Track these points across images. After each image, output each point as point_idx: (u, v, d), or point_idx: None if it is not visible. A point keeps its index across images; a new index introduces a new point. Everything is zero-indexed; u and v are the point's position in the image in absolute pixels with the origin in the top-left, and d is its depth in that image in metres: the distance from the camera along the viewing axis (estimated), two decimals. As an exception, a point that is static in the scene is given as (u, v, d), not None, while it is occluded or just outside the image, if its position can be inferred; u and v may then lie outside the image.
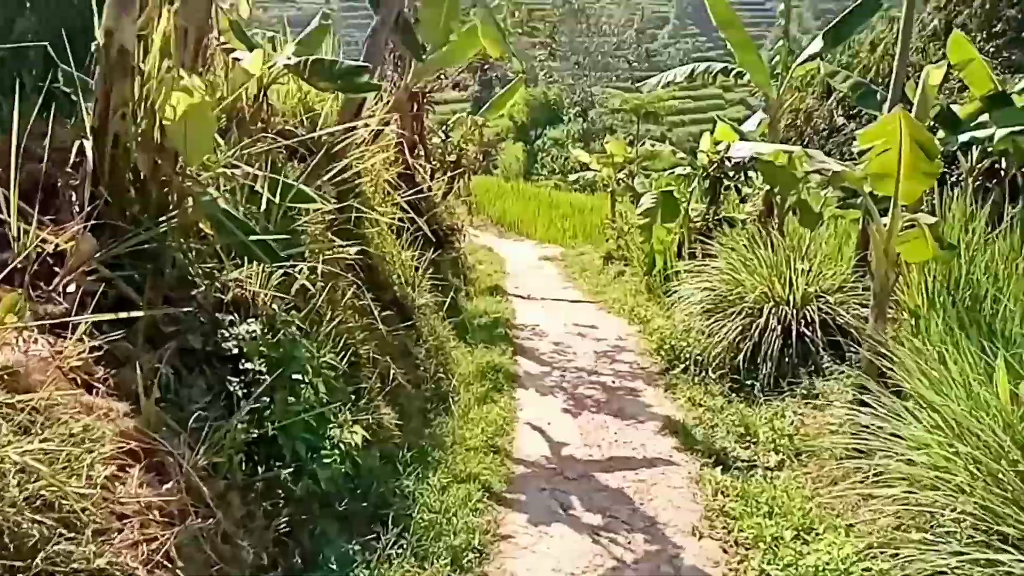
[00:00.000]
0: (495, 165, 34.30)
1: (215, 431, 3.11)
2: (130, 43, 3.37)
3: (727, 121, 9.83)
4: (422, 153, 11.35)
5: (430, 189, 10.88)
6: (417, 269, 7.77)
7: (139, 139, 3.52)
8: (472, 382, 6.89)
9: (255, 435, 3.30)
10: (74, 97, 3.60)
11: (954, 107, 8.27)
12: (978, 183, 7.92)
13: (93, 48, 3.36)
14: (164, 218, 3.57)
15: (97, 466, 2.29)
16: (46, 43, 3.57)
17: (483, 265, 14.04)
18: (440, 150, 12.24)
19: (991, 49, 17.57)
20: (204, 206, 3.57)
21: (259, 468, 3.38)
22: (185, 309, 3.47)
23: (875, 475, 3.89)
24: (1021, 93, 7.71)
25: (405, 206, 7.88)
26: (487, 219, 22.54)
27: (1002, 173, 7.77)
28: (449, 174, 12.46)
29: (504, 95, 13.30)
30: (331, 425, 3.83)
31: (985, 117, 7.61)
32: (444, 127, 13.02)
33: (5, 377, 2.37)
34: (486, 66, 16.22)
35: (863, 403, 4.73)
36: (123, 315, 3.12)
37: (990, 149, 7.70)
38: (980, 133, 7.15)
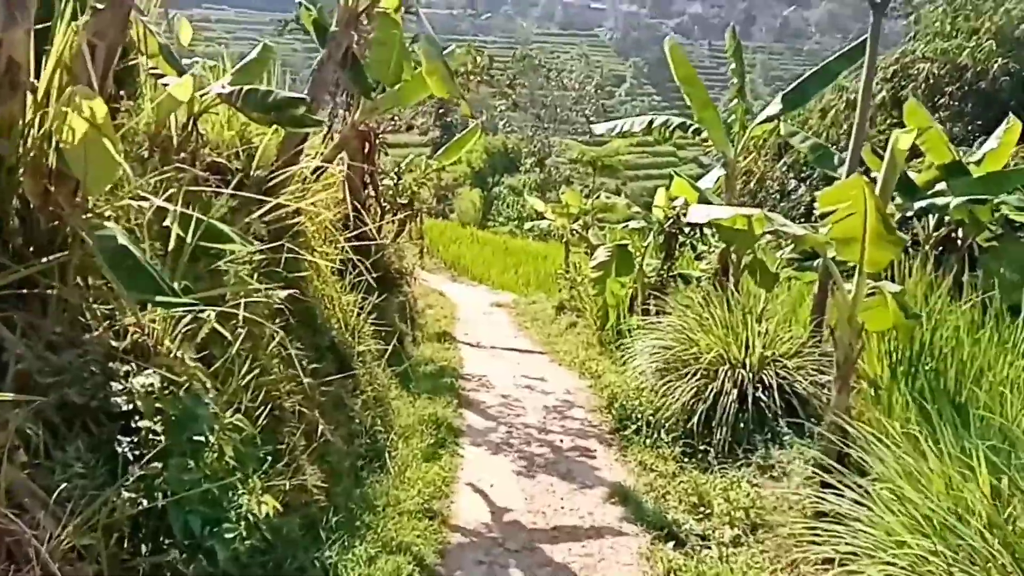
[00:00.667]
0: (451, 210, 34.17)
1: (90, 504, 2.64)
2: (21, 55, 2.96)
3: (683, 176, 9.67)
4: (372, 194, 11.01)
5: (379, 231, 10.51)
6: (360, 313, 7.35)
7: (28, 163, 3.09)
8: (412, 436, 6.47)
9: (141, 508, 2.83)
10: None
11: (910, 173, 8.25)
12: (935, 251, 7.86)
13: (-24, 60, 2.94)
14: (52, 252, 3.13)
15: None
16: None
17: (433, 310, 13.64)
18: (391, 192, 11.91)
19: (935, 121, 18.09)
20: (99, 240, 3.12)
21: (144, 547, 2.91)
22: (69, 357, 3.00)
23: (843, 567, 3.55)
24: (978, 163, 7.71)
25: (349, 248, 7.51)
26: (441, 263, 22.21)
27: (959, 242, 7.71)
28: (400, 216, 12.12)
29: (460, 140, 13.07)
30: (239, 493, 3.36)
31: (942, 185, 7.59)
32: (397, 169, 12.72)
33: None
34: (442, 110, 15.99)
35: (824, 481, 4.42)
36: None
37: (947, 218, 7.65)
38: (939, 200, 7.08)
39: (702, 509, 5.35)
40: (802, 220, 16.71)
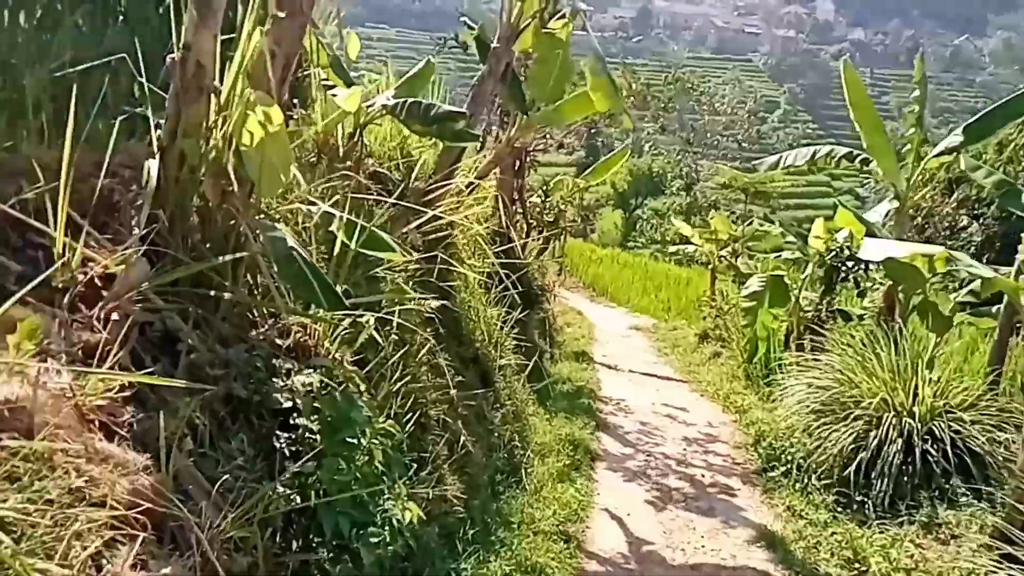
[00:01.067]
0: (592, 230, 34.05)
1: (249, 496, 2.69)
2: (208, 60, 3.10)
3: (849, 207, 9.12)
4: (519, 210, 11.10)
5: (524, 247, 10.57)
6: (502, 327, 7.38)
7: (209, 163, 3.23)
8: (548, 455, 6.39)
9: (295, 505, 2.86)
10: (148, 113, 3.36)
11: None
12: None
13: (168, 62, 3.11)
14: (226, 251, 3.25)
15: (86, 535, 1.88)
16: (124, 55, 3.33)
17: (571, 328, 13.56)
18: (538, 209, 11.96)
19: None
20: (270, 242, 3.23)
21: (295, 544, 2.94)
22: (237, 352, 3.10)
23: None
24: None
25: (496, 262, 7.57)
26: (580, 282, 22.11)
27: None
28: (545, 234, 12.15)
29: (609, 161, 13.00)
30: (385, 498, 3.37)
31: None
32: (544, 186, 12.77)
33: (5, 413, 2.01)
34: (593, 130, 15.95)
35: (1007, 554, 3.96)
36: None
37: None
38: None
39: (857, 565, 4.93)
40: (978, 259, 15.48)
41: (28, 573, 1.61)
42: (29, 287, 2.29)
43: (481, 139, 9.23)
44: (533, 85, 7.77)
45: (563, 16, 7.59)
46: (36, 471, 1.89)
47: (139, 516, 2.12)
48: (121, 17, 3.85)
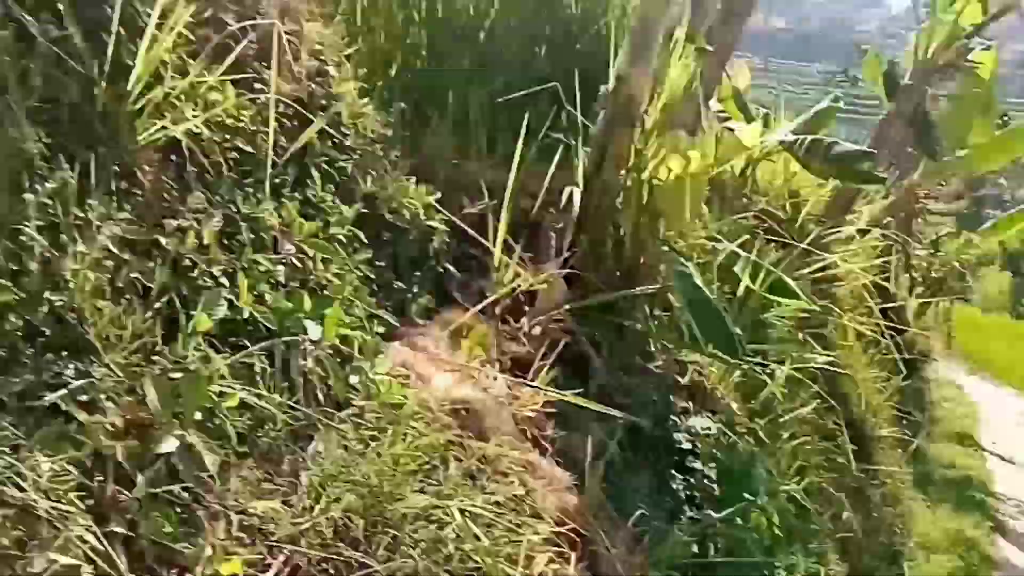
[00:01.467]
0: (972, 292, 29.85)
1: (660, 538, 2.56)
2: (639, 94, 3.11)
3: None
4: (903, 262, 9.99)
5: (906, 305, 9.48)
6: (880, 392, 6.62)
7: (626, 195, 3.24)
8: (935, 551, 5.53)
9: (695, 557, 2.69)
10: (571, 141, 3.48)
11: None
12: None
13: (600, 93, 3.17)
14: (636, 282, 3.24)
15: (536, 550, 1.87)
16: (556, 84, 3.45)
17: (949, 404, 11.84)
18: (926, 264, 10.68)
19: None
20: (677, 277, 3.15)
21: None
22: (638, 382, 3.04)
23: None
24: None
25: (880, 319, 6.83)
26: (955, 350, 19.39)
27: None
28: (930, 294, 10.79)
29: (1013, 217, 11.22)
30: (777, 567, 3.06)
31: None
32: (935, 239, 11.40)
33: (463, 413, 2.11)
34: (1002, 179, 13.95)
35: None
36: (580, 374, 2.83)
37: None
38: None
39: None
40: None
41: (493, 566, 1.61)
42: (487, 302, 2.43)
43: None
44: (946, 127, 6.97)
45: (987, 48, 6.76)
46: (491, 474, 1.93)
47: (570, 534, 2.09)
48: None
